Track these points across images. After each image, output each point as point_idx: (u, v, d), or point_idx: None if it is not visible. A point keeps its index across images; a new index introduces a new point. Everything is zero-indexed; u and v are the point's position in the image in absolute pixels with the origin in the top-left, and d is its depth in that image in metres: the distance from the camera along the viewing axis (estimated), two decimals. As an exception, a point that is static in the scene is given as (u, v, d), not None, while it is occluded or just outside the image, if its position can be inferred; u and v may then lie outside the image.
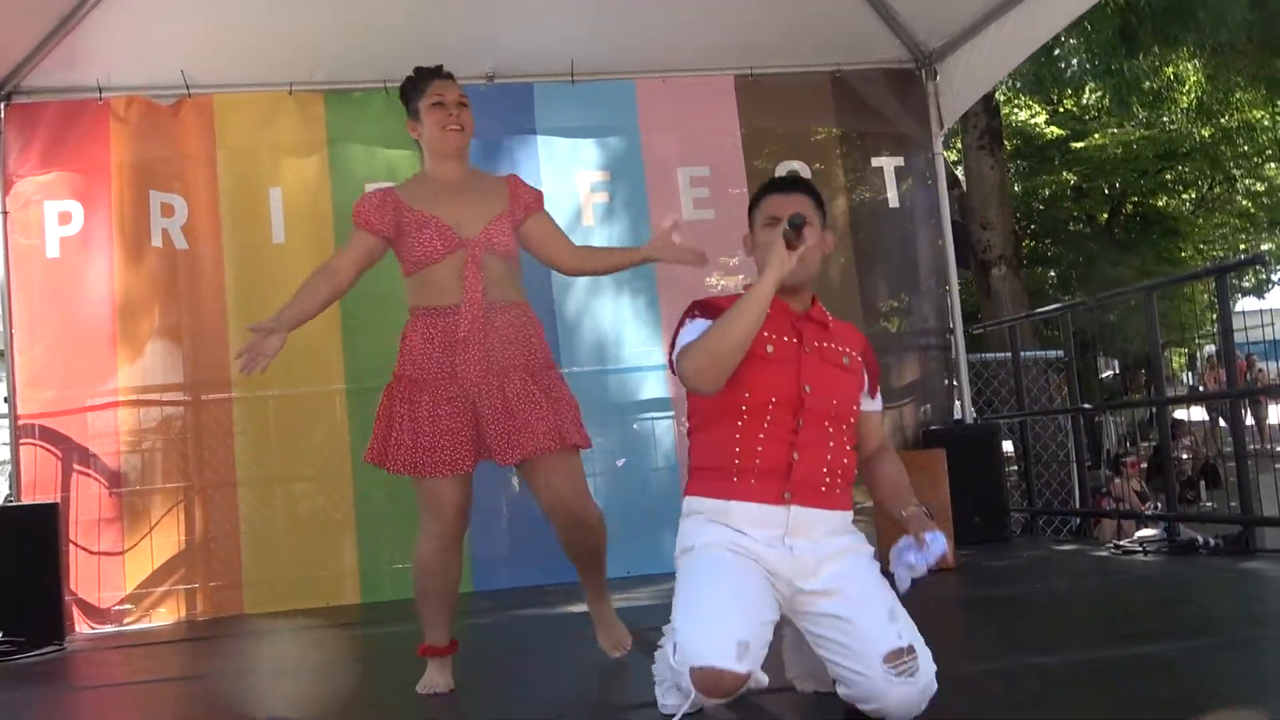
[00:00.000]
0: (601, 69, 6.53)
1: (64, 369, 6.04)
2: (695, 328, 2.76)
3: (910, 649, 2.57)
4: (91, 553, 5.91)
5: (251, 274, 6.20)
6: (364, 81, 6.36)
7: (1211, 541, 5.53)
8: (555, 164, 6.55)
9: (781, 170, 6.79)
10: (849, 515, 2.80)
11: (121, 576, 5.94)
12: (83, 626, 5.82)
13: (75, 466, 6.00)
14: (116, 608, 5.91)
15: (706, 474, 2.76)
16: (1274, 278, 33.17)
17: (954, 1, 6.52)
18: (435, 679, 3.55)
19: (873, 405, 2.93)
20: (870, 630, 2.59)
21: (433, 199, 3.59)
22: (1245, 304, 28.86)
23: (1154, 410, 9.08)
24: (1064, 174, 16.30)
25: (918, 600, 2.74)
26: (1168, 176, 18.28)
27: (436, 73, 3.70)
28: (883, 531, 5.59)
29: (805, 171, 6.81)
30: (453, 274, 3.51)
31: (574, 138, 6.63)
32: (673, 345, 2.84)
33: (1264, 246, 26.36)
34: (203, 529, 6.07)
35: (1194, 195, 21.14)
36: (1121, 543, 5.89)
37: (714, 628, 2.53)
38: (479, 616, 5.29)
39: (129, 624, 5.89)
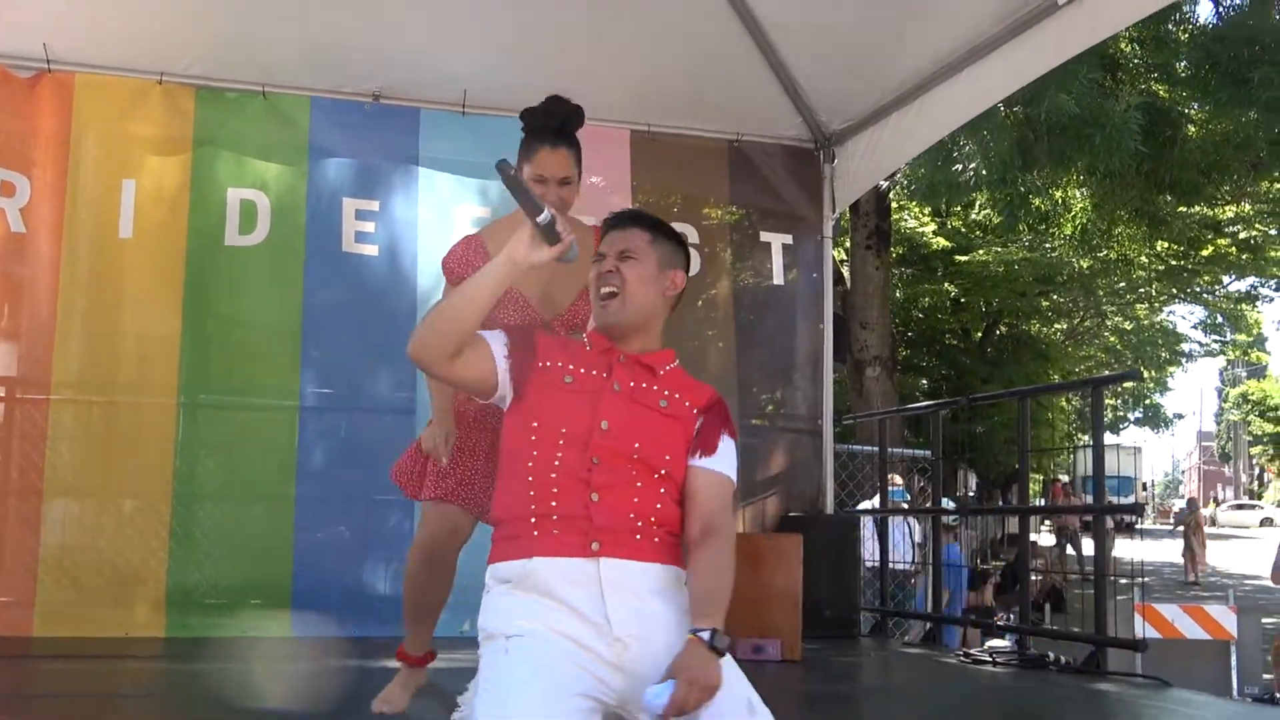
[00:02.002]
0: (495, 104, 6.21)
1: None
2: None
3: None
4: None
5: (92, 266, 5.76)
6: (241, 82, 5.99)
7: (1063, 659, 5.38)
8: (435, 196, 6.25)
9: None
10: (680, 574, 2.43)
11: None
12: None
13: None
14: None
15: (505, 536, 2.46)
16: (1130, 415, 34.47)
17: (859, 88, 6.45)
18: (391, 694, 3.51)
19: (705, 462, 2.52)
20: None
21: None
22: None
23: (1017, 518, 9.07)
24: (946, 285, 16.60)
25: (757, 690, 2.44)
26: (1044, 303, 18.79)
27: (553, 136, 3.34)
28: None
29: (694, 236, 6.63)
30: None
31: (458, 173, 6.32)
32: None
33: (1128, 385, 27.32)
34: (-5, 539, 5.53)
35: (1066, 325, 21.84)
36: (971, 651, 5.71)
37: None
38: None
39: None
